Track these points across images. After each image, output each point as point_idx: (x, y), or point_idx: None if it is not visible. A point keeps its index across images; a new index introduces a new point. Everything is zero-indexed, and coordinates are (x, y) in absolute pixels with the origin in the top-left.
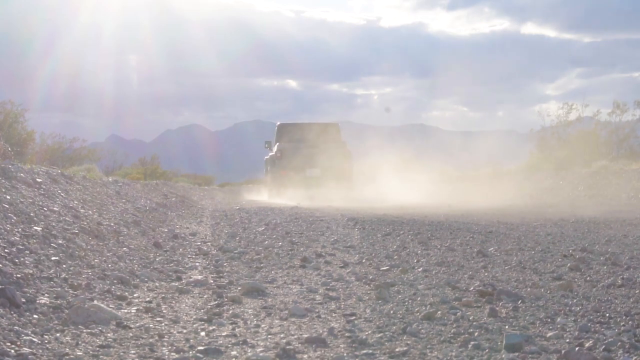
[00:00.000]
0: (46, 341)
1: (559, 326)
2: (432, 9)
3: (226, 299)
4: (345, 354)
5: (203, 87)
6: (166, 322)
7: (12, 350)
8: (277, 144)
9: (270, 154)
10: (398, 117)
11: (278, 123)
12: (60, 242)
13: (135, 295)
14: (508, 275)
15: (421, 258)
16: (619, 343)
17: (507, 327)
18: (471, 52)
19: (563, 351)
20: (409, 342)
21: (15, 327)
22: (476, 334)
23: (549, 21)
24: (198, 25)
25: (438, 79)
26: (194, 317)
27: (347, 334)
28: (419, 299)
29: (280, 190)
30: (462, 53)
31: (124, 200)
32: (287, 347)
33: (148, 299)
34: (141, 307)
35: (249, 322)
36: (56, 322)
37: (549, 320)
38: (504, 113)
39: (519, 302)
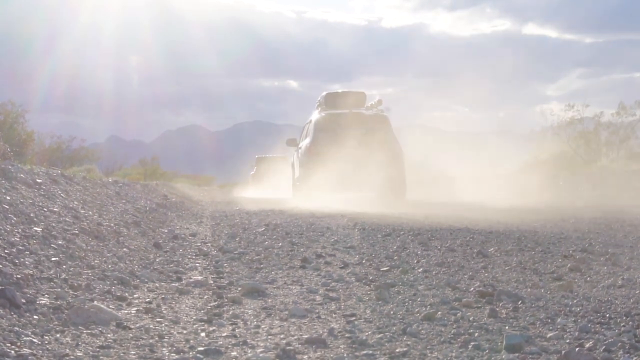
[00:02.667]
0: (46, 342)
1: (559, 327)
2: (434, 9)
3: (226, 300)
4: (345, 355)
5: (203, 88)
6: (166, 323)
7: (12, 351)
8: (255, 167)
9: (252, 172)
10: (399, 118)
11: (257, 156)
12: (60, 242)
13: (135, 295)
14: (508, 275)
15: (421, 259)
16: (619, 343)
17: (507, 327)
18: (472, 52)
19: (563, 352)
20: (409, 342)
21: (15, 327)
22: (476, 334)
23: (551, 22)
24: (199, 25)
25: (439, 80)
26: (194, 317)
27: (347, 335)
28: (419, 299)
29: (258, 190)
30: (463, 53)
31: (124, 201)
32: (287, 347)
33: (148, 299)
34: (141, 308)
35: (249, 322)
36: (56, 322)
37: (549, 320)
38: (505, 114)
39: (519, 302)
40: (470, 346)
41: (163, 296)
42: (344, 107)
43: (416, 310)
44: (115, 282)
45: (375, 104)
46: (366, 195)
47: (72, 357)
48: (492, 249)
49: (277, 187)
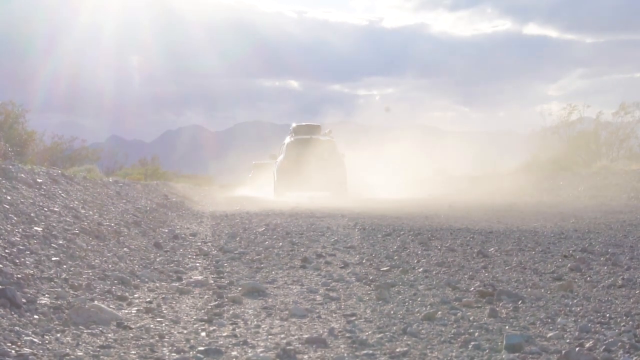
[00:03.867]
0: (47, 341)
1: (559, 326)
2: (434, 10)
3: (226, 300)
4: (345, 355)
5: (204, 88)
6: (167, 323)
7: (13, 351)
8: (252, 171)
9: (250, 175)
10: (399, 118)
11: (254, 162)
12: (60, 242)
13: (135, 295)
14: (508, 275)
15: (421, 258)
16: (620, 343)
17: (507, 327)
18: (473, 52)
19: (563, 351)
20: (409, 342)
21: (16, 327)
22: (476, 334)
23: (551, 22)
24: (199, 25)
25: (440, 79)
26: (195, 317)
27: (347, 335)
28: (419, 299)
29: (254, 190)
30: (463, 54)
31: (124, 201)
32: (288, 347)
33: (148, 299)
34: (142, 308)
35: (249, 322)
36: (57, 322)
37: (550, 320)
38: (506, 113)
39: (519, 302)
40: (470, 346)
41: (163, 296)
42: (306, 134)
43: (416, 310)
44: (115, 281)
45: (327, 133)
46: (321, 194)
47: (72, 356)
48: (492, 249)
49: (268, 188)
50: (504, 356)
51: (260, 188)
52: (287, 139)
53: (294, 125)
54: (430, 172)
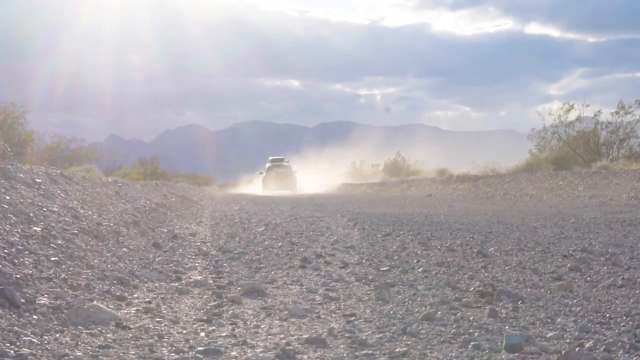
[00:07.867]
0: (46, 342)
1: (559, 326)
2: (436, 9)
3: (226, 300)
4: (345, 355)
5: (204, 87)
6: (166, 323)
7: (12, 351)
8: (255, 179)
9: (255, 180)
10: (399, 117)
11: (257, 173)
12: (59, 242)
13: (134, 295)
14: (508, 275)
15: (421, 258)
16: (619, 343)
17: (507, 327)
18: (474, 52)
19: (563, 351)
20: (408, 342)
21: (15, 327)
22: (476, 334)
23: (553, 21)
24: (200, 24)
25: (441, 79)
26: (194, 317)
27: (347, 335)
28: (418, 299)
29: (256, 189)
30: (465, 53)
31: (123, 201)
32: (287, 347)
33: (148, 299)
34: (141, 308)
35: (248, 322)
36: (56, 322)
37: (549, 320)
38: (507, 113)
39: (519, 302)
40: (470, 346)
41: (162, 296)
42: (276, 162)
43: (416, 310)
44: (114, 281)
45: (288, 161)
46: (284, 192)
47: (71, 356)
48: (492, 249)
49: (259, 189)
50: (503, 356)
51: (257, 188)
52: (267, 164)
53: (270, 158)
54: (433, 173)
